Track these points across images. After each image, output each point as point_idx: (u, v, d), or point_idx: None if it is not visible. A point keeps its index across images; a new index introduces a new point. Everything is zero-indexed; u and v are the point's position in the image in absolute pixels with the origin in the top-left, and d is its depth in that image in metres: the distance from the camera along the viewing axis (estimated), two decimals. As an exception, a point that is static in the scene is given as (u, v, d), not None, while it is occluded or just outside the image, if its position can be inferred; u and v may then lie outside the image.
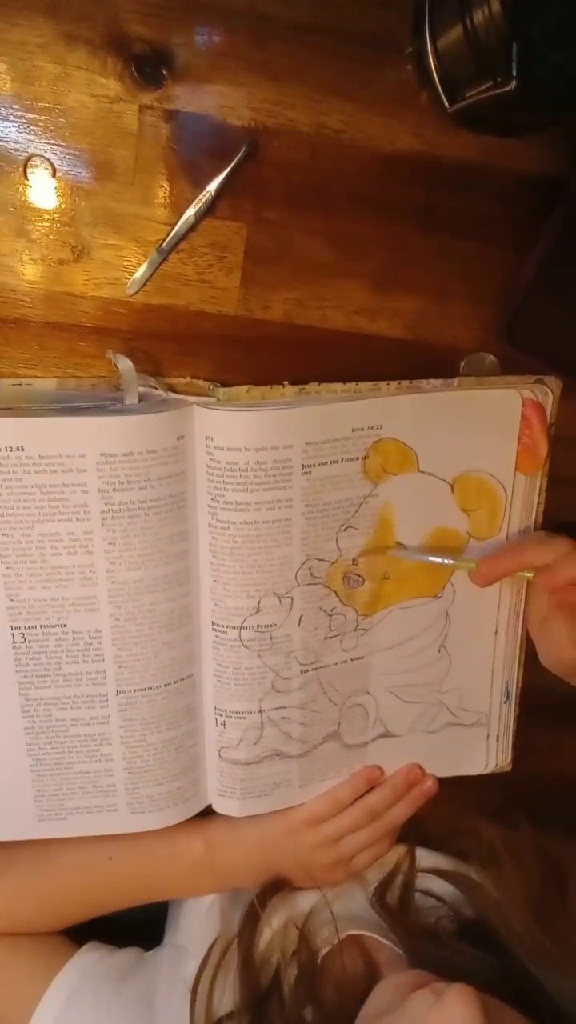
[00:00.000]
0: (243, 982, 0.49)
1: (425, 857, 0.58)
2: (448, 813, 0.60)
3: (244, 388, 0.49)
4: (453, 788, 0.60)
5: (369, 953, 0.52)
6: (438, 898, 0.55)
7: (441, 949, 0.49)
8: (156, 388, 0.48)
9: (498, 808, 0.56)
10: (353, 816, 0.56)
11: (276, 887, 0.54)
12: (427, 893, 0.56)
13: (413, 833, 0.59)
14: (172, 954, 0.54)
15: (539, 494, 0.55)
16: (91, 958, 0.53)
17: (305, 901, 0.55)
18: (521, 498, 0.54)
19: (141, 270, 0.48)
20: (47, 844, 0.55)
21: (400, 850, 0.59)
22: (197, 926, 0.55)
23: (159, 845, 0.55)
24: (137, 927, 0.58)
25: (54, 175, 0.46)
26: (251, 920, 0.52)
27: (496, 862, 0.53)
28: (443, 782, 0.60)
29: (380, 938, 0.51)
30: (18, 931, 0.54)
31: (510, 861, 0.52)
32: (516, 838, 0.53)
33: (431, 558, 0.52)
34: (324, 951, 0.51)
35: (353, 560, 0.51)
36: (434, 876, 0.56)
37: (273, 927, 0.52)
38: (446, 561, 0.52)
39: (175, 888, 0.57)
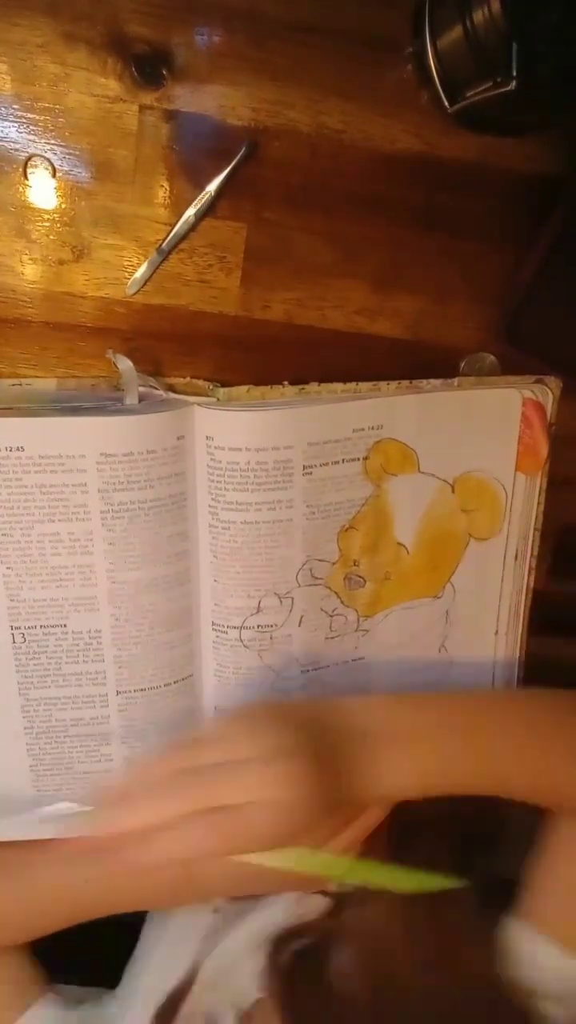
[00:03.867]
0: None
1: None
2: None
3: (244, 388, 0.49)
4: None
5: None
6: None
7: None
8: (156, 388, 0.48)
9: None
10: None
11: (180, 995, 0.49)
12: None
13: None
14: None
15: (539, 494, 0.55)
16: (48, 1013, 0.51)
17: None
18: (522, 498, 0.54)
19: (141, 270, 0.48)
20: (20, 858, 0.53)
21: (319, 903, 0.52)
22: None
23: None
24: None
25: (54, 175, 0.46)
26: None
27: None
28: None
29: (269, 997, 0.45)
30: None
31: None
32: None
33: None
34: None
35: (355, 561, 0.51)
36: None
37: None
38: None
39: (145, 892, 0.53)
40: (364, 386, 0.50)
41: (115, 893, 0.53)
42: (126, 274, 0.48)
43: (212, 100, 0.46)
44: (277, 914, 0.51)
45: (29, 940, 0.54)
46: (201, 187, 0.47)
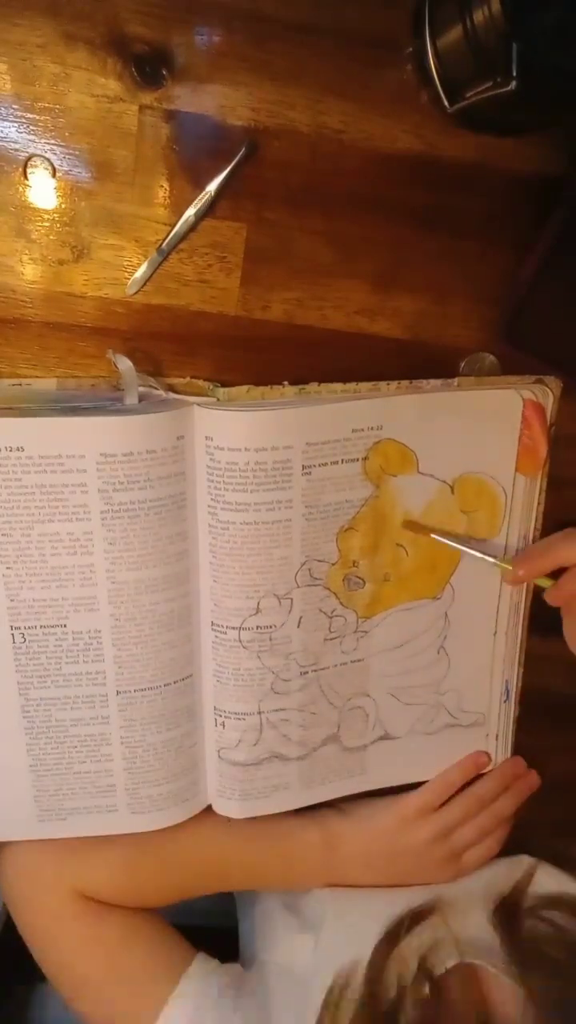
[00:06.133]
0: (365, 1015, 0.47)
1: (551, 878, 0.55)
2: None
3: (244, 388, 0.49)
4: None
5: (482, 987, 0.48)
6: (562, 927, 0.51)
7: (566, 988, 0.45)
8: (156, 388, 0.48)
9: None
10: (462, 804, 0.57)
11: (416, 918, 0.52)
12: (551, 921, 0.51)
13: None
14: (276, 974, 0.54)
15: (539, 494, 0.55)
16: (208, 967, 0.54)
17: (429, 927, 0.52)
18: (521, 499, 0.54)
19: (141, 270, 0.48)
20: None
21: (528, 863, 0.56)
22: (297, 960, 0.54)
23: (277, 832, 0.56)
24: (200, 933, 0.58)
25: (54, 175, 0.46)
26: (386, 947, 0.50)
27: None
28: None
29: (496, 971, 0.48)
30: (123, 901, 0.54)
31: None
32: None
33: (472, 552, 0.52)
34: (438, 974, 0.48)
35: (354, 562, 0.51)
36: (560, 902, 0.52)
37: (402, 954, 0.50)
38: (487, 558, 0.52)
39: (288, 875, 0.57)
40: (364, 386, 0.50)
41: (253, 863, 0.57)
42: (126, 274, 0.48)
43: (212, 100, 0.46)
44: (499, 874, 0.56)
45: (167, 903, 0.56)
46: (201, 187, 0.47)
